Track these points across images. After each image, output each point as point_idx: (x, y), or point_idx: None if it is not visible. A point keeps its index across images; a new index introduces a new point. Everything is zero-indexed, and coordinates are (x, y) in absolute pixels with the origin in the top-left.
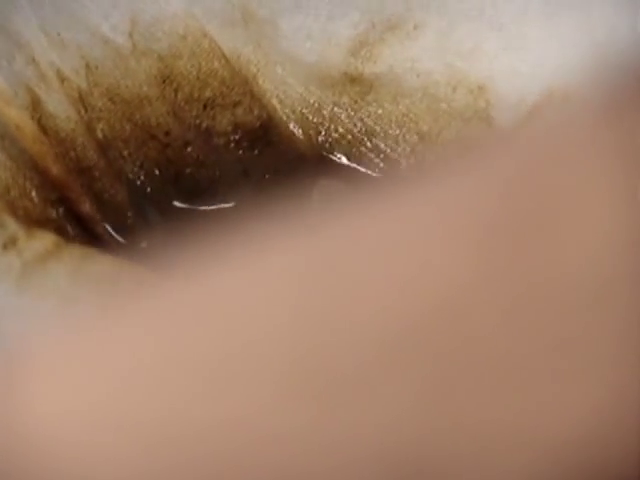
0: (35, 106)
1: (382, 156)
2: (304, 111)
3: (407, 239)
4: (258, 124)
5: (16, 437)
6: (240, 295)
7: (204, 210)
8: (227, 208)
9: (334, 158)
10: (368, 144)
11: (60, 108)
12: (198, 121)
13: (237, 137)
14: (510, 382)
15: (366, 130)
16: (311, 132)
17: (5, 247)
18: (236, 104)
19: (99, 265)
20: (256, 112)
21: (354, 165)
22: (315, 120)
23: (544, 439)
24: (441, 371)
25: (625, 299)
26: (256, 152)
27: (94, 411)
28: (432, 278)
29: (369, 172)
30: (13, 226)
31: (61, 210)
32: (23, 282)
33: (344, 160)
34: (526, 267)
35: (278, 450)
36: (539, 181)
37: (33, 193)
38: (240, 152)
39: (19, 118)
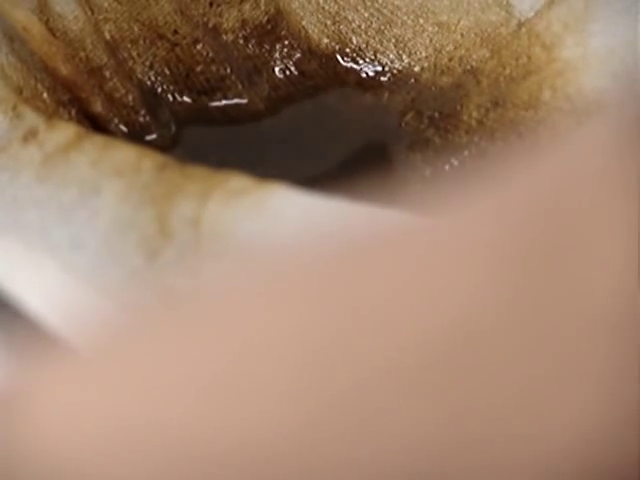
0: (42, 8)
1: (399, 48)
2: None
3: (430, 267)
4: (265, 19)
5: (21, 457)
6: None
7: (217, 107)
8: (241, 104)
9: (348, 50)
10: (386, 34)
11: (67, 8)
12: (205, 19)
13: (245, 33)
14: (527, 404)
15: (383, 20)
16: (328, 22)
17: (25, 140)
18: (242, 0)
19: (121, 154)
20: (263, 7)
21: (370, 56)
22: (330, 10)
23: (550, 443)
24: (461, 396)
25: None
26: (266, 47)
27: (107, 433)
28: (454, 306)
29: (385, 64)
30: (33, 118)
31: (73, 111)
32: (44, 173)
33: (359, 51)
34: (548, 295)
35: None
36: (563, 208)
37: (45, 95)
38: (249, 48)
39: (26, 20)
